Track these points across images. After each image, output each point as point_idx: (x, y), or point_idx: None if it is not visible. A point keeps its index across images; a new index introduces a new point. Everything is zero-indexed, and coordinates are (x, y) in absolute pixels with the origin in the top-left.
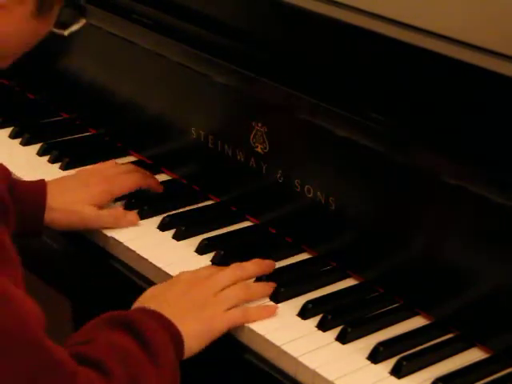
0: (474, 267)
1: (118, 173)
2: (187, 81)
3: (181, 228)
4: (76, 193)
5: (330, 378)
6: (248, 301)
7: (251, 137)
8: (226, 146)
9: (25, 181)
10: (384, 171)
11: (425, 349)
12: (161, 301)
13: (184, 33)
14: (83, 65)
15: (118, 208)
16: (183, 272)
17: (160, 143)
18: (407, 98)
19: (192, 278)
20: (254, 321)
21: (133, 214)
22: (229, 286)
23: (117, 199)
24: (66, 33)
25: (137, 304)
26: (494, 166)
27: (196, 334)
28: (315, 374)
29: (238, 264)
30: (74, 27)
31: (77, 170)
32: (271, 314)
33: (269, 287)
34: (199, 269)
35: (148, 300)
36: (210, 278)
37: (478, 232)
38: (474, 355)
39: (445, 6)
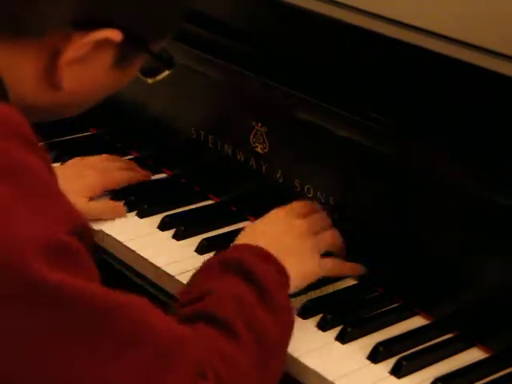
0: (474, 267)
1: (113, 167)
2: (187, 81)
3: (181, 228)
4: (70, 183)
5: (330, 378)
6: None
7: (251, 137)
8: (226, 146)
9: None
10: (384, 171)
11: (425, 349)
12: (265, 240)
13: (184, 33)
14: None
15: (108, 201)
16: (276, 210)
17: (160, 143)
18: (407, 97)
19: (289, 215)
20: (347, 274)
21: (120, 208)
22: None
23: (117, 197)
24: (150, 81)
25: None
26: (493, 165)
27: (298, 275)
28: (315, 374)
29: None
30: (159, 77)
31: (72, 160)
32: (361, 272)
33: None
34: (292, 205)
35: (251, 237)
36: (308, 213)
37: (478, 232)
38: (474, 355)
39: (445, 6)
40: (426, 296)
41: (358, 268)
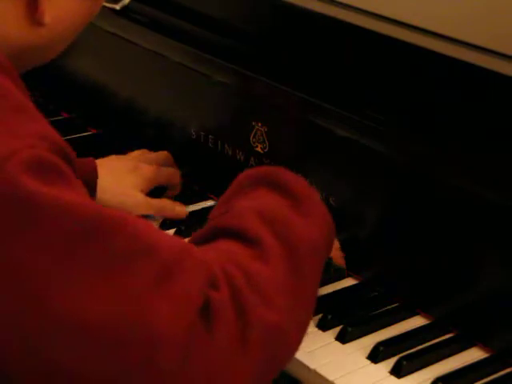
0: (473, 267)
1: (161, 164)
2: (187, 81)
3: (181, 228)
4: (126, 176)
5: (330, 377)
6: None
7: (251, 136)
8: (226, 146)
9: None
10: (384, 171)
11: (425, 348)
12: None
13: (184, 33)
14: (83, 64)
15: (166, 199)
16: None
17: (160, 143)
18: (407, 97)
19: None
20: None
21: (181, 206)
22: None
23: None
24: (118, 7)
25: None
26: (494, 165)
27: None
28: (315, 374)
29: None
30: (126, 0)
31: (110, 156)
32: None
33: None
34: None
35: None
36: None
37: (478, 232)
38: (474, 355)
39: (445, 6)
40: (426, 296)
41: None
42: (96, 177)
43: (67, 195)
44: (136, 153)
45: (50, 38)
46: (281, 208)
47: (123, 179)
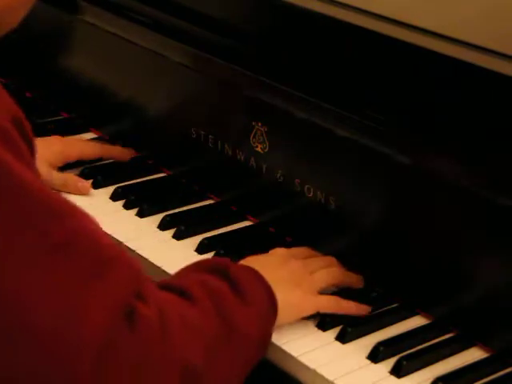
0: (474, 267)
1: (80, 139)
2: (187, 81)
3: (181, 227)
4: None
5: (330, 377)
6: (341, 284)
7: (251, 137)
8: (226, 146)
9: None
10: (384, 171)
11: (425, 348)
12: (258, 266)
13: (184, 33)
14: (83, 64)
15: (72, 174)
16: (278, 248)
17: (160, 143)
18: (407, 97)
19: (288, 253)
20: (345, 312)
21: (85, 182)
22: (324, 269)
23: (117, 196)
24: None
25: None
26: (494, 165)
27: (288, 305)
28: (315, 374)
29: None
30: None
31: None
32: (363, 312)
33: (361, 280)
34: (295, 248)
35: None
36: (307, 257)
37: (479, 232)
38: (474, 355)
39: (445, 6)
40: (426, 296)
41: (356, 307)
42: None
43: (27, 174)
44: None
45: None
46: (226, 292)
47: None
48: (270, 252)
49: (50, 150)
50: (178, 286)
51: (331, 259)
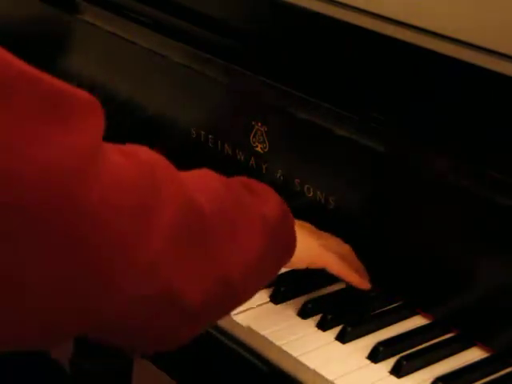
0: (474, 267)
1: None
2: (187, 81)
3: None
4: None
5: (330, 377)
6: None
7: (251, 136)
8: (226, 146)
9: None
10: (384, 171)
11: (425, 348)
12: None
13: (184, 33)
14: (83, 64)
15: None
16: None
17: (160, 143)
18: (407, 97)
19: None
20: (347, 279)
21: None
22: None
23: None
24: None
25: None
26: (494, 165)
27: (305, 247)
28: (315, 374)
29: None
30: None
31: None
32: (364, 286)
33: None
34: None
35: None
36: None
37: (478, 232)
38: (474, 355)
39: (445, 6)
40: (426, 296)
41: (361, 280)
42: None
43: None
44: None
45: None
46: (237, 185)
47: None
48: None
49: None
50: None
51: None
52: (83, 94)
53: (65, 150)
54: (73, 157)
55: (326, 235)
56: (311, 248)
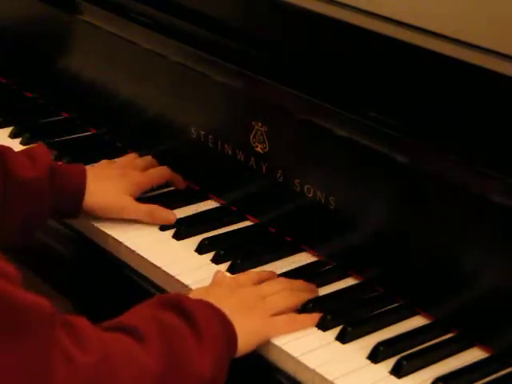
0: (474, 267)
1: (147, 167)
2: (187, 81)
3: (181, 227)
4: (114, 182)
5: (330, 377)
6: (295, 307)
7: (251, 137)
8: (226, 146)
9: (65, 164)
10: (384, 171)
11: (425, 348)
12: (209, 298)
13: (184, 33)
14: (83, 64)
15: (155, 205)
16: (221, 275)
17: (160, 143)
18: (407, 97)
19: (235, 281)
20: (299, 329)
21: (170, 212)
22: (276, 293)
23: None
24: None
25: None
26: (494, 165)
27: (246, 331)
28: (315, 374)
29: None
30: None
31: (100, 163)
32: (315, 321)
33: (312, 292)
34: (239, 274)
35: (195, 297)
36: (256, 282)
37: (478, 232)
38: (473, 355)
39: (444, 6)
40: (426, 296)
41: (311, 319)
42: (84, 181)
43: None
44: (123, 159)
45: None
46: (180, 328)
47: (111, 184)
48: (215, 282)
49: (129, 180)
50: (127, 324)
51: (282, 281)
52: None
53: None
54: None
55: (263, 288)
56: (255, 334)
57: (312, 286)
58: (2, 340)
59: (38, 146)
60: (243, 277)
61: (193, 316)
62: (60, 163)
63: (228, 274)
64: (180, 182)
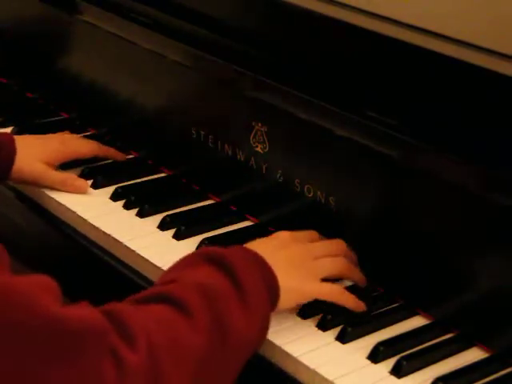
0: (474, 267)
1: (77, 138)
2: (187, 81)
3: (181, 228)
4: (32, 149)
5: (330, 377)
6: (343, 278)
7: (251, 137)
8: (226, 146)
9: None
10: (384, 171)
11: (425, 348)
12: (258, 249)
13: (184, 33)
14: (83, 64)
15: (70, 173)
16: (282, 231)
17: (160, 143)
18: (407, 97)
19: (292, 237)
20: (342, 304)
21: (82, 181)
22: (327, 256)
23: (117, 196)
24: None
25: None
26: (494, 165)
27: (288, 289)
28: (315, 374)
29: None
30: None
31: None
32: (359, 309)
33: (363, 279)
34: (300, 231)
35: (248, 247)
36: (312, 242)
37: (478, 232)
38: (473, 355)
39: (444, 6)
40: (426, 296)
41: (354, 301)
42: (14, 150)
43: None
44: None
45: None
46: (224, 292)
47: (31, 151)
48: (273, 235)
49: (47, 148)
50: (173, 295)
51: (340, 245)
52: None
53: None
54: None
55: (317, 249)
56: (299, 292)
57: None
58: (54, 365)
59: None
60: (302, 233)
61: (236, 273)
62: None
63: None
64: (116, 154)
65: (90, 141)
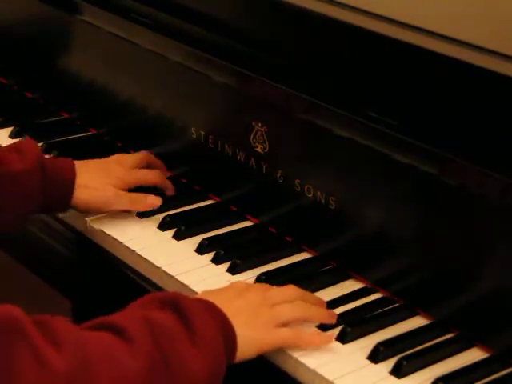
0: (474, 267)
1: (138, 165)
2: (187, 81)
3: (181, 228)
4: (98, 175)
5: (330, 377)
6: (303, 321)
7: (251, 137)
8: (226, 146)
9: (54, 158)
10: (384, 171)
11: (425, 349)
12: (213, 299)
13: (184, 33)
14: (83, 64)
15: (138, 193)
16: (236, 281)
17: (160, 143)
18: (407, 97)
19: (246, 286)
20: (305, 346)
21: (154, 197)
22: (285, 303)
23: None
24: None
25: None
26: (494, 165)
27: (248, 339)
28: (315, 374)
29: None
30: None
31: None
32: (326, 342)
33: (329, 315)
34: (253, 283)
35: (200, 297)
36: (267, 290)
37: (478, 232)
38: (473, 355)
39: (444, 6)
40: (426, 296)
41: (317, 339)
42: (74, 177)
43: None
44: (114, 156)
45: None
46: (171, 328)
47: (96, 176)
48: (228, 285)
49: (112, 176)
50: (116, 323)
51: (294, 290)
52: None
53: None
54: None
55: (273, 297)
56: (257, 341)
57: (322, 301)
58: None
59: (27, 140)
60: (257, 285)
61: (188, 316)
62: (48, 156)
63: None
64: (169, 190)
65: (154, 172)
